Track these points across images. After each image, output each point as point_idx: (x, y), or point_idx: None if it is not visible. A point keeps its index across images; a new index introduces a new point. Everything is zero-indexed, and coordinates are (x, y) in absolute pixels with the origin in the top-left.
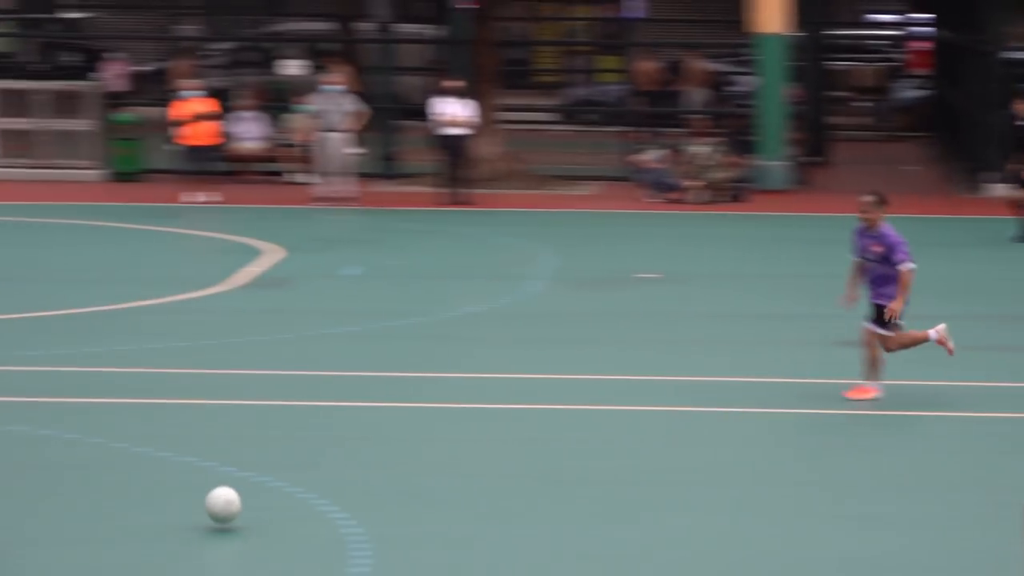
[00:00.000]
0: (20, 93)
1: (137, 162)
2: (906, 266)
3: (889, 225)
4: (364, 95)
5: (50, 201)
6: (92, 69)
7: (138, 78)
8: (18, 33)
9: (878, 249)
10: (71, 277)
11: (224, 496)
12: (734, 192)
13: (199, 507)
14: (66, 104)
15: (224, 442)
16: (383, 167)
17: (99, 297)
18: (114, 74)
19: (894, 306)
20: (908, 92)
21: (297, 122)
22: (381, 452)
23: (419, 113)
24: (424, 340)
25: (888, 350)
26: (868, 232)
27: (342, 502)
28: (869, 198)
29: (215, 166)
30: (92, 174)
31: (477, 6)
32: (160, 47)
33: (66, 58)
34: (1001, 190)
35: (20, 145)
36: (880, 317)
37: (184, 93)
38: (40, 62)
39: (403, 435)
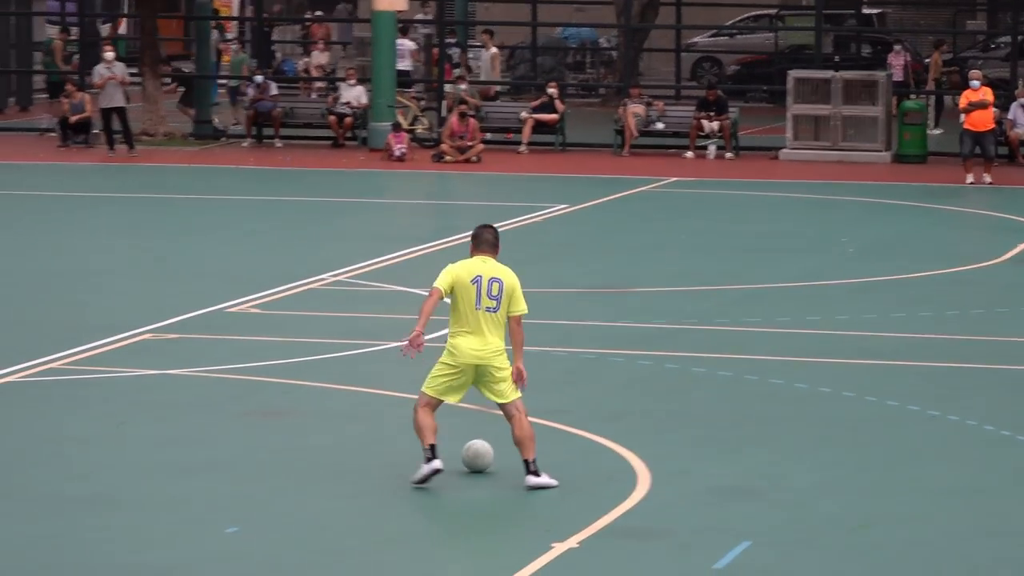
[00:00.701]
0: (818, 82)
1: (921, 145)
2: None
3: None
4: None
5: (839, 180)
6: (882, 60)
7: (921, 68)
8: (816, 27)
9: None
10: (857, 250)
11: (477, 449)
12: None
13: (962, 465)
14: (858, 92)
15: (987, 404)
16: None
17: (877, 269)
18: (900, 65)
19: None
20: None
21: None
22: None
23: None
24: None
25: None
26: None
27: None
28: None
29: (994, 150)
30: (879, 156)
31: None
32: (943, 40)
33: (859, 50)
34: None
35: (812, 128)
36: None
37: (973, 84)
38: (835, 53)
39: None
